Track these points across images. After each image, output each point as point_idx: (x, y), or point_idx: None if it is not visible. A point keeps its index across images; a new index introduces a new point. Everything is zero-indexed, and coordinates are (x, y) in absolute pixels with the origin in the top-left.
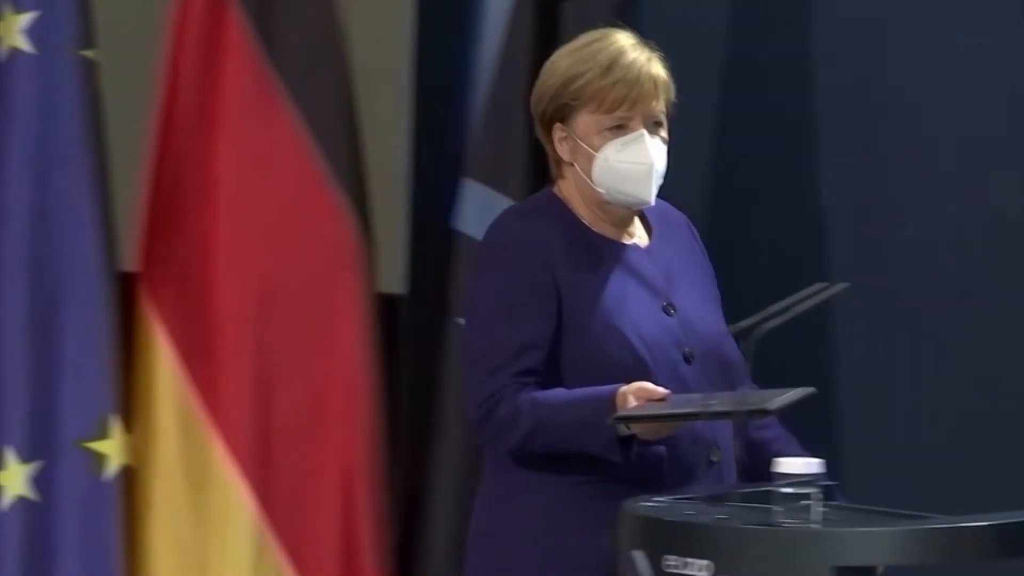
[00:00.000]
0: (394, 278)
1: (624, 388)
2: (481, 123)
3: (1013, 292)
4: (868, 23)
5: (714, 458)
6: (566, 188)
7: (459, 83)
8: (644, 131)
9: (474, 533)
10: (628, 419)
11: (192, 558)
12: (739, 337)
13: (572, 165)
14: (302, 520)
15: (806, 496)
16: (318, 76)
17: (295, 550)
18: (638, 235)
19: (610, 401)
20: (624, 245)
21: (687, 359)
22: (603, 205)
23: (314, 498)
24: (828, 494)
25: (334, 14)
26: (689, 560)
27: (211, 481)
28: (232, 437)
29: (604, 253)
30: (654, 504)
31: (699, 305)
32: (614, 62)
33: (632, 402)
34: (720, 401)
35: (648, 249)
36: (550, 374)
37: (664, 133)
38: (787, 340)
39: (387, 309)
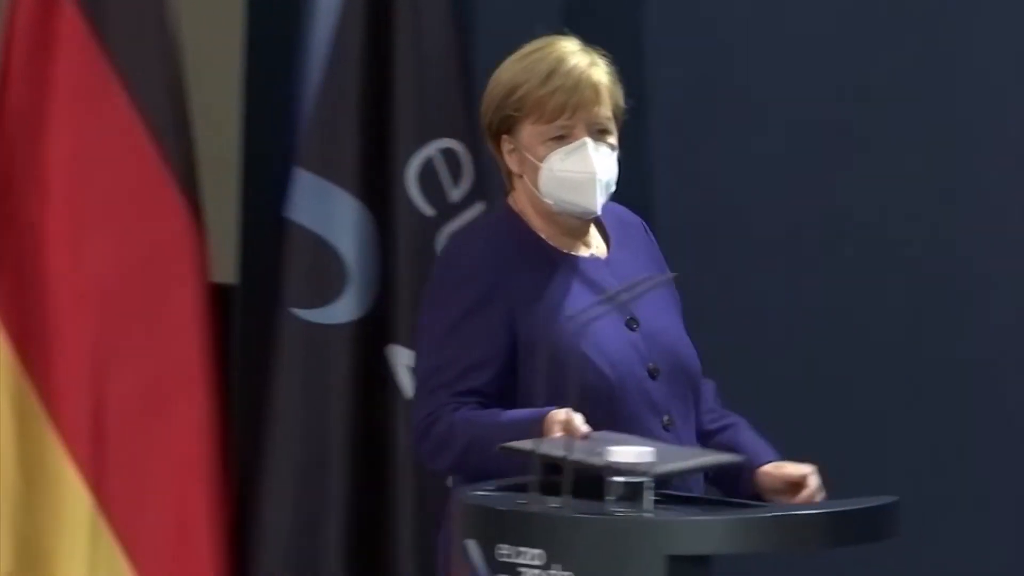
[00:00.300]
0: (227, 268)
1: (552, 415)
2: (312, 112)
3: (847, 286)
4: (708, 19)
5: None
6: (519, 200)
7: (291, 72)
8: (587, 139)
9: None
10: (513, 452)
11: (28, 547)
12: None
13: (522, 177)
14: (138, 510)
15: (640, 485)
16: (150, 65)
17: (131, 540)
18: (596, 245)
19: (537, 426)
20: (582, 258)
21: (652, 374)
22: (554, 216)
23: (150, 488)
24: (663, 483)
25: (166, 3)
26: (522, 549)
27: (47, 471)
28: (68, 427)
29: (562, 267)
30: (486, 493)
31: (661, 316)
32: (554, 70)
33: (556, 432)
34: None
35: (608, 260)
36: (506, 394)
37: (612, 140)
38: None
39: (220, 299)
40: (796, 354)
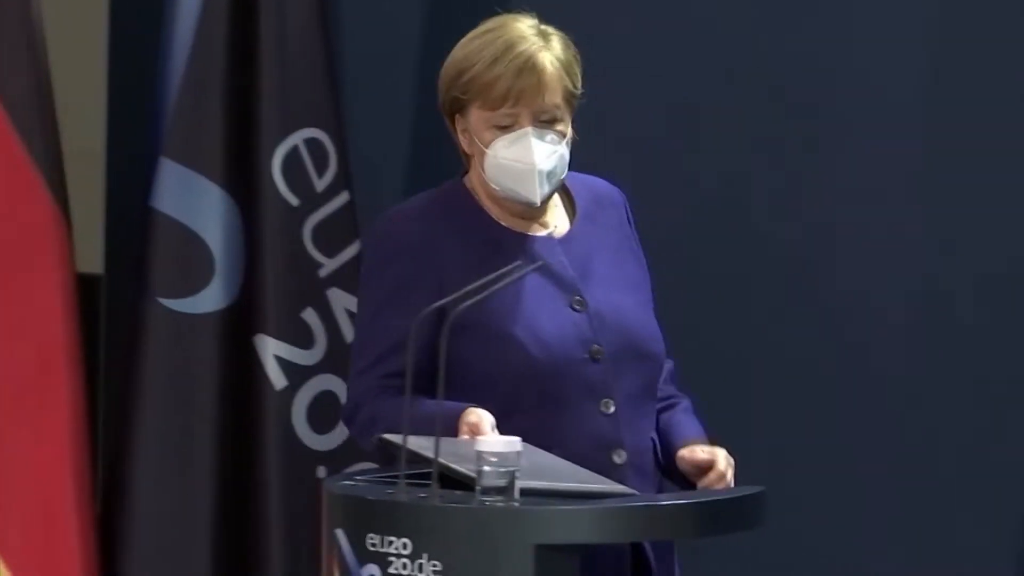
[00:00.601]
0: (93, 258)
1: (464, 415)
2: (178, 102)
3: (712, 274)
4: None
5: (617, 459)
6: (472, 179)
7: (156, 61)
8: (530, 129)
9: None
10: (389, 444)
11: None
12: (442, 316)
13: (473, 157)
14: (4, 503)
15: (509, 475)
16: (12, 54)
17: None
18: (556, 223)
19: (450, 424)
20: (533, 237)
21: (595, 357)
22: (501, 200)
23: (16, 481)
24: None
25: None
26: (390, 538)
27: None
28: None
29: (507, 247)
30: (355, 483)
31: (618, 295)
32: (499, 56)
33: (464, 433)
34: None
35: (565, 238)
36: (436, 372)
37: (562, 127)
38: None
39: (86, 289)
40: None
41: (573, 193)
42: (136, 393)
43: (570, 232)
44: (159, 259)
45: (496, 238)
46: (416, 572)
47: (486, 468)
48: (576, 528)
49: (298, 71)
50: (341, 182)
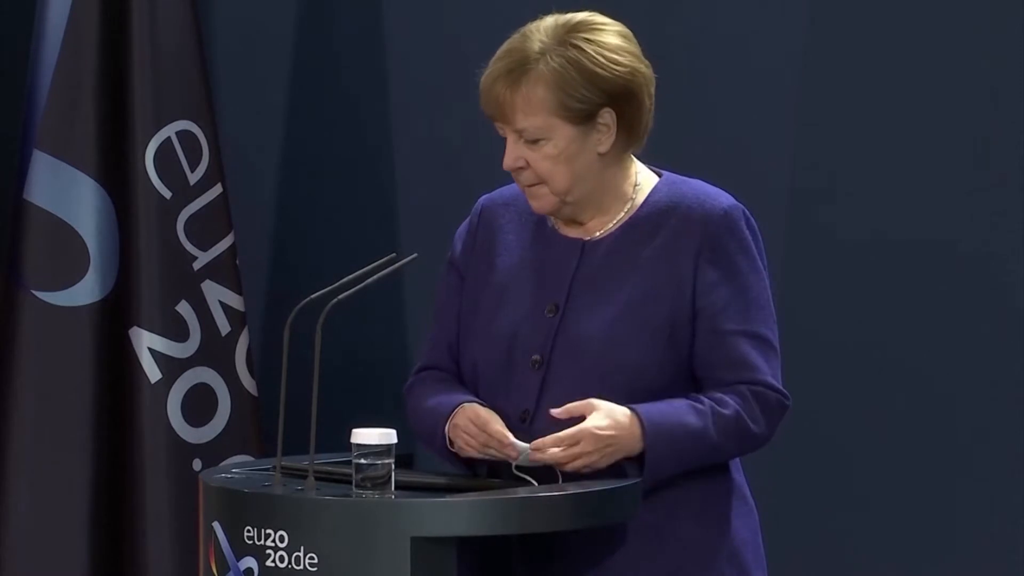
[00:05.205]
0: None
1: (462, 407)
2: (49, 94)
3: None
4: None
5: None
6: None
7: (28, 53)
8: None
9: None
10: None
11: None
12: (310, 309)
13: None
14: None
15: (386, 466)
16: None
17: None
18: (600, 226)
19: (442, 421)
20: (563, 238)
21: (535, 365)
22: None
23: None
24: (409, 464)
25: None
26: (266, 531)
27: None
28: None
29: (536, 243)
30: (232, 475)
31: (606, 306)
32: (489, 68)
33: (462, 422)
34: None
35: (593, 242)
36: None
37: (551, 148)
38: (358, 311)
39: None
40: None
41: (646, 200)
42: (10, 386)
43: (602, 237)
44: (33, 252)
45: (536, 233)
46: (293, 565)
47: (362, 461)
48: (452, 520)
49: (170, 63)
50: (214, 174)
